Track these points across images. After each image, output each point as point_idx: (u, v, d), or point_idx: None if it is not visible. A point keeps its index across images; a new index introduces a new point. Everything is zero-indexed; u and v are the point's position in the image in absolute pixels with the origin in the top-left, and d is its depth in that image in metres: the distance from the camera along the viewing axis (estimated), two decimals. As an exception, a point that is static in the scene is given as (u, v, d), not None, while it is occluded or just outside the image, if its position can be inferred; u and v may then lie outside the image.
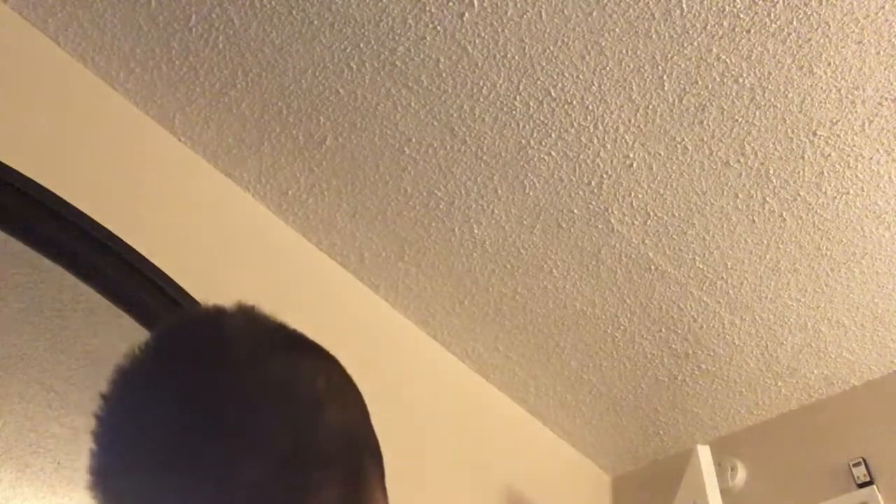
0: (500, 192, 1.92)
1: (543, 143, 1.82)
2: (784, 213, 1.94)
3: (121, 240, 1.55)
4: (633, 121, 1.77)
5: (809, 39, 1.62)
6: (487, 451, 2.26)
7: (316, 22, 1.62)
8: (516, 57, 1.67)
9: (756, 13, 1.58)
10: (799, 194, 1.90)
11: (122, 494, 0.54)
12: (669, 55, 1.65)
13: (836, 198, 1.90)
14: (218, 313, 0.59)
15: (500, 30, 1.62)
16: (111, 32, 1.63)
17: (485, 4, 1.58)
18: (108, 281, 1.55)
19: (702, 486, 2.02)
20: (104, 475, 0.55)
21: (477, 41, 1.64)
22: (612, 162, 1.85)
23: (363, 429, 0.60)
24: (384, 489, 0.59)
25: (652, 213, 1.95)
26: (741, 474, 2.40)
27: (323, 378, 0.59)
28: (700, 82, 1.70)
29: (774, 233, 1.98)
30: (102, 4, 1.59)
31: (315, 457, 0.54)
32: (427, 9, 1.59)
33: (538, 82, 1.71)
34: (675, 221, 1.96)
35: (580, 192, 1.91)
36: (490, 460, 2.26)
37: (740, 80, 1.69)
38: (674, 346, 2.27)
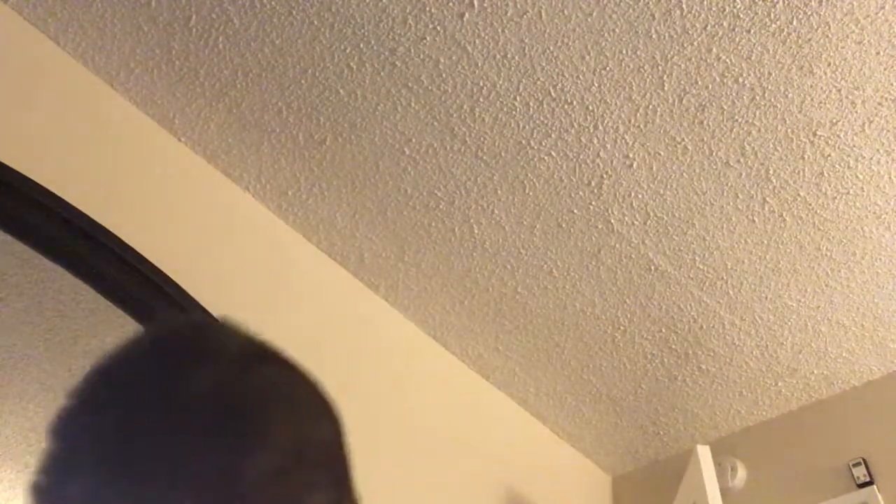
0: (500, 192, 1.92)
1: (543, 143, 1.82)
2: (784, 213, 1.94)
3: (121, 240, 1.55)
4: (633, 121, 1.77)
5: (809, 39, 1.62)
6: (487, 451, 2.26)
7: (316, 22, 1.62)
8: (516, 57, 1.67)
9: (756, 13, 1.58)
10: (799, 194, 1.90)
11: (96, 493, 0.52)
12: (669, 55, 1.65)
13: (836, 198, 1.90)
14: (205, 320, 0.61)
15: (500, 30, 1.62)
16: (111, 32, 1.63)
17: (485, 4, 1.58)
18: (108, 281, 1.55)
19: (702, 486, 2.01)
20: (68, 472, 0.53)
21: (477, 41, 1.64)
22: (612, 162, 1.85)
23: (345, 441, 0.63)
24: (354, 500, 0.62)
25: (652, 213, 1.95)
26: (741, 474, 2.40)
27: (316, 390, 0.63)
28: (700, 82, 1.70)
29: (774, 233, 1.98)
30: (102, 4, 1.59)
31: (313, 460, 0.57)
32: (427, 9, 1.59)
33: (538, 82, 1.71)
34: (675, 221, 1.96)
35: (580, 192, 1.91)
36: (490, 460, 2.26)
37: (740, 80, 1.69)
38: (674, 346, 2.27)
